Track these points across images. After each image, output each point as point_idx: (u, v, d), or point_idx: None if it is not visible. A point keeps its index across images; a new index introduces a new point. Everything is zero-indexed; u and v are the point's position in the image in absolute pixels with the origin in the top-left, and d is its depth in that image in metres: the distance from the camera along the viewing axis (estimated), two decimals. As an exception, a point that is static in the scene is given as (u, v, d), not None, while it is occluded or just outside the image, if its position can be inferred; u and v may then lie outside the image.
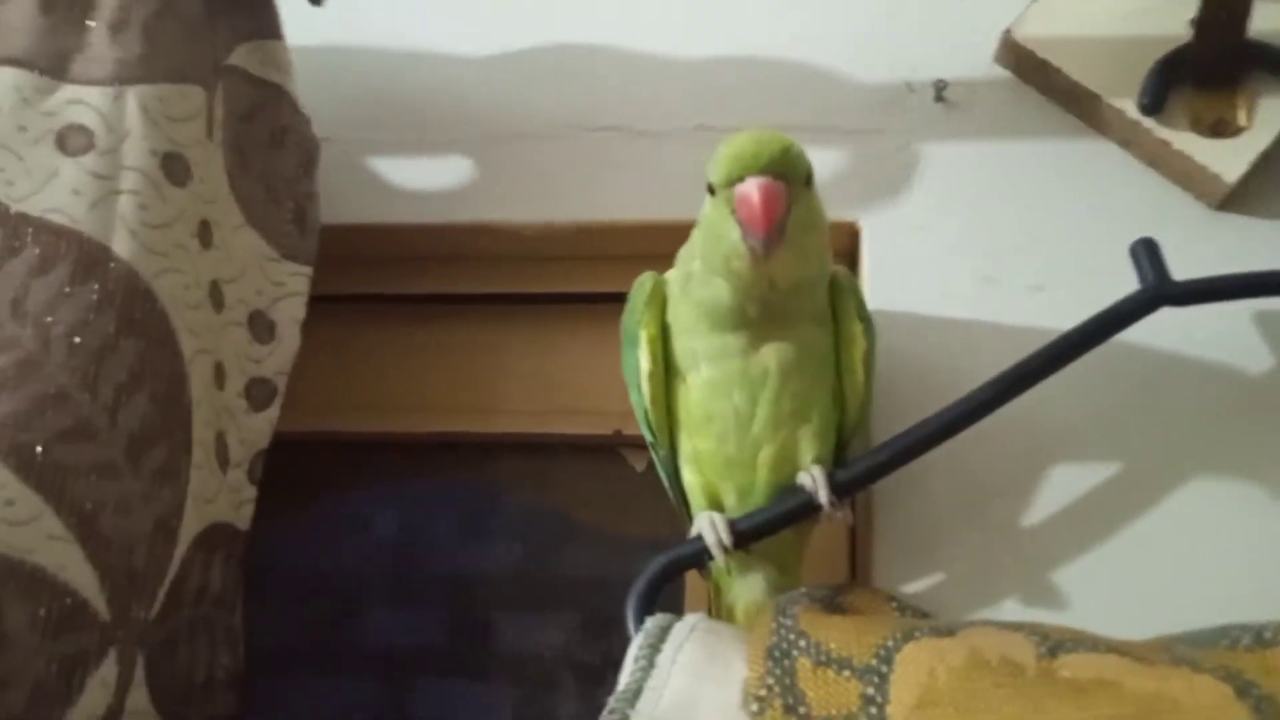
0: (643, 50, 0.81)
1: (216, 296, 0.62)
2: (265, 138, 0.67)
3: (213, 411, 0.60)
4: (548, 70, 0.81)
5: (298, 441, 0.82)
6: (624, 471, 0.83)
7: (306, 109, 0.72)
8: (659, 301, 0.63)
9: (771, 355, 0.60)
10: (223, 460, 0.61)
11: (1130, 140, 0.73)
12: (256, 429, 0.64)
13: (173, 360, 0.57)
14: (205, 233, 0.61)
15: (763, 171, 0.54)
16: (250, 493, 0.64)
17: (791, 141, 0.56)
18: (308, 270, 0.67)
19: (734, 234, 0.55)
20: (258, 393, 0.64)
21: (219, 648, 0.60)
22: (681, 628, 0.56)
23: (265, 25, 0.68)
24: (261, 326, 0.65)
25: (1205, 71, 0.71)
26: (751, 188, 0.54)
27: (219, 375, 0.61)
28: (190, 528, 0.57)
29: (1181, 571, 0.65)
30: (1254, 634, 0.51)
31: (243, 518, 0.63)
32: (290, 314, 0.66)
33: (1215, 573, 0.65)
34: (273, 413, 0.65)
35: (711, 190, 0.57)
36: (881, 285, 0.73)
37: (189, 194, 0.59)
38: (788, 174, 0.55)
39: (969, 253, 0.73)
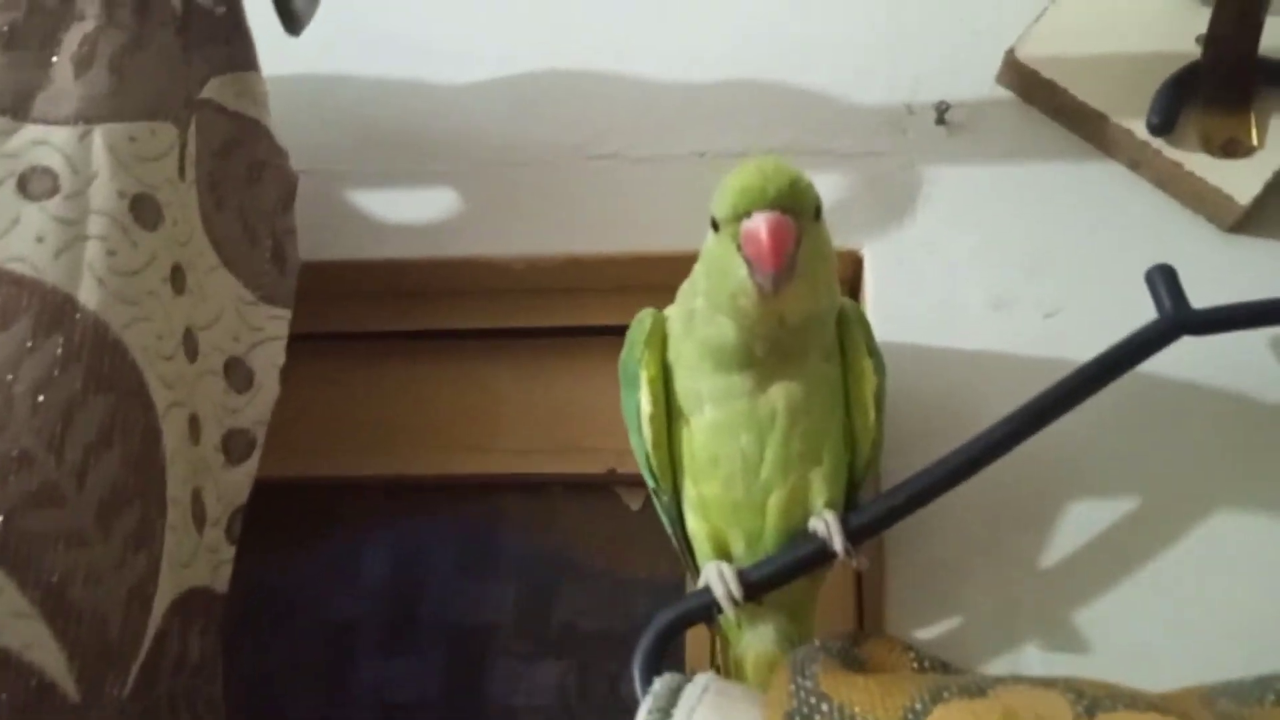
0: (638, 74, 0.78)
1: (190, 345, 0.58)
2: (242, 173, 0.64)
3: (188, 467, 0.57)
4: (539, 96, 0.78)
5: (285, 485, 0.79)
6: (620, 510, 0.81)
7: (284, 141, 0.69)
8: (659, 340, 0.60)
9: (779, 395, 0.57)
10: (199, 519, 0.58)
11: (1140, 161, 0.71)
12: (234, 484, 0.60)
13: (145, 415, 0.53)
14: (178, 277, 0.58)
15: (771, 206, 0.52)
16: (228, 553, 0.60)
17: (799, 173, 0.53)
18: (286, 313, 0.64)
19: (741, 271, 0.53)
20: (235, 445, 0.61)
21: (201, 718, 0.56)
22: (693, 690, 0.53)
23: (240, 56, 0.65)
24: (239, 375, 0.61)
25: (1216, 90, 0.69)
26: (759, 223, 0.51)
27: (194, 428, 0.58)
28: (165, 594, 0.53)
29: (1209, 609, 0.63)
30: (1299, 686, 0.48)
31: (220, 580, 0.59)
32: (269, 360, 0.62)
33: (1244, 608, 0.63)
34: (251, 466, 0.61)
35: (715, 225, 0.54)
36: (886, 315, 0.71)
37: (160, 237, 0.56)
38: (796, 208, 0.53)
39: (976, 279, 0.71)
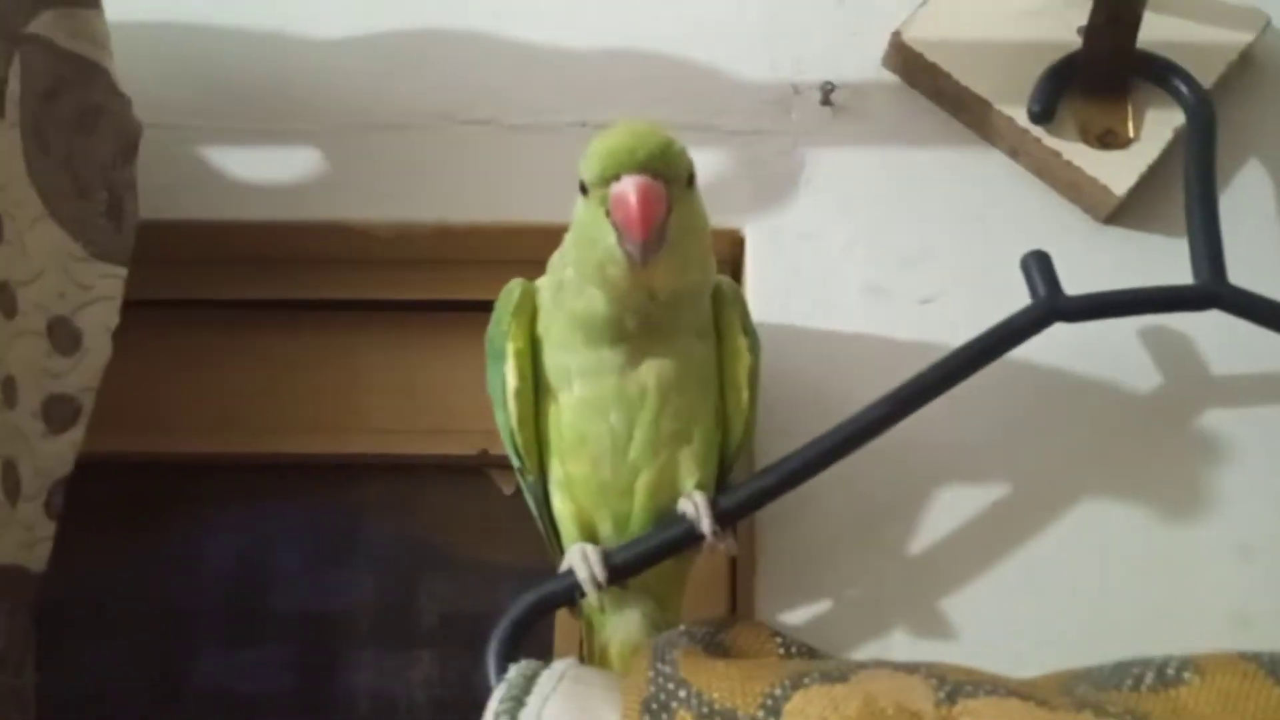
0: (516, 39, 0.75)
1: (7, 300, 0.53)
2: (73, 119, 0.58)
3: (0, 434, 0.51)
4: (411, 55, 0.74)
5: (126, 463, 0.73)
6: (492, 494, 0.78)
7: (131, 92, 0.64)
8: (528, 311, 0.57)
9: (650, 372, 0.55)
10: (11, 492, 0.52)
11: (1019, 149, 0.71)
12: (55, 454, 0.55)
13: (-53, 375, 0.48)
14: (-7, 225, 0.52)
15: (640, 170, 0.49)
16: (47, 529, 0.55)
17: (671, 138, 0.51)
18: (122, 271, 0.59)
19: (609, 238, 0.50)
20: (58, 412, 0.55)
21: (5, 716, 0.51)
22: (548, 677, 0.50)
23: (76, -10, 0.60)
24: (64, 335, 0.56)
25: (1094, 80, 0.69)
26: (628, 187, 0.49)
27: (8, 392, 0.52)
28: (-35, 574, 0.48)
29: (1076, 594, 0.63)
30: (1156, 671, 0.48)
31: (36, 559, 0.54)
32: (100, 321, 0.57)
33: (1110, 595, 0.63)
34: (76, 435, 0.56)
35: (584, 189, 0.51)
36: (766, 296, 0.69)
37: (-28, 180, 0.51)
38: (667, 173, 0.50)
39: (856, 263, 0.70)
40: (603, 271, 0.51)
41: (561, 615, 0.66)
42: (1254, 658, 0.48)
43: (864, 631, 0.62)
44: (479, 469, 0.77)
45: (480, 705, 0.50)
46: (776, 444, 0.63)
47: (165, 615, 0.76)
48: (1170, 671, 0.48)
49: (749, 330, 0.59)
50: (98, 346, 0.57)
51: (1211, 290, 0.61)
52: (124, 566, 0.76)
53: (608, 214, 0.50)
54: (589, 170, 0.51)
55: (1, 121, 0.53)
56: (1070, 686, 0.49)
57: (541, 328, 0.57)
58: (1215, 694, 0.46)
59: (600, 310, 0.53)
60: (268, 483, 0.77)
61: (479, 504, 0.78)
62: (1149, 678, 0.47)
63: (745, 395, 0.58)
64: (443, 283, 0.74)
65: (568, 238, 0.55)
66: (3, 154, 0.53)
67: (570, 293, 0.54)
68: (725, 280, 0.59)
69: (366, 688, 0.76)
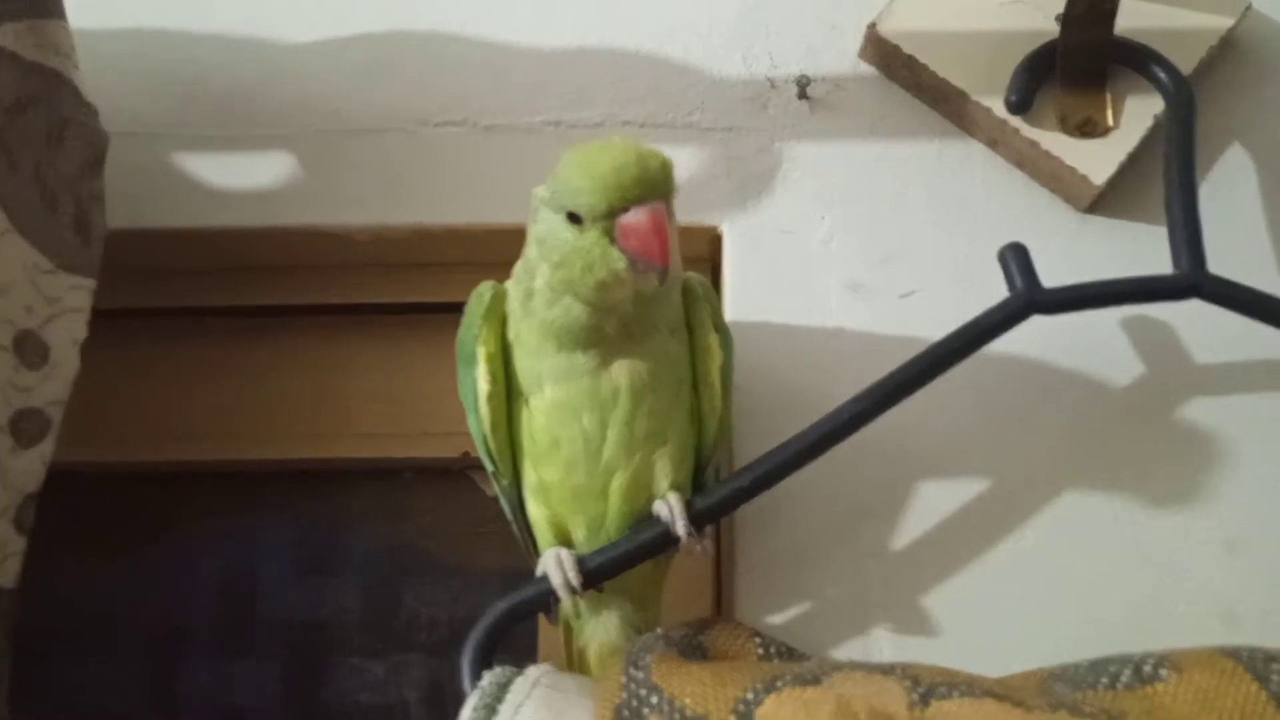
0: (489, 40, 0.74)
1: (-28, 315, 0.53)
2: (40, 132, 0.58)
3: (-33, 451, 0.51)
4: (383, 59, 0.73)
5: (100, 474, 0.73)
6: (476, 496, 0.77)
7: (99, 99, 0.63)
8: (499, 315, 0.57)
9: (623, 373, 0.54)
10: (-20, 508, 0.52)
11: (998, 140, 0.70)
12: (24, 470, 0.55)
13: (-88, 392, 0.48)
14: (-42, 241, 0.52)
15: (648, 197, 0.49)
16: (18, 544, 0.54)
17: (662, 154, 0.51)
18: (90, 283, 0.58)
19: (617, 264, 0.50)
20: (26, 426, 0.55)
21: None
22: (522, 684, 0.50)
23: (39, 2, 0.59)
24: (32, 349, 0.55)
25: (1073, 69, 0.68)
26: (644, 220, 0.49)
27: (-25, 408, 0.52)
28: (-68, 591, 0.48)
29: (1060, 590, 0.63)
30: (1133, 669, 0.47)
31: (7, 574, 0.54)
32: (68, 334, 0.57)
33: (1094, 590, 0.63)
34: (45, 449, 0.56)
35: (576, 218, 0.50)
36: (744, 294, 0.69)
37: (-64, 195, 0.50)
38: (669, 192, 0.51)
39: (835, 258, 0.69)
40: (603, 290, 0.51)
41: (546, 621, 0.66)
42: (1234, 653, 0.47)
43: (846, 630, 0.62)
44: (462, 471, 0.77)
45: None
46: (755, 443, 0.62)
47: (150, 627, 0.76)
48: (1147, 669, 0.47)
49: (720, 326, 0.58)
50: (66, 359, 0.57)
51: (1192, 280, 0.61)
52: (106, 579, 0.76)
53: (612, 241, 0.50)
54: (588, 203, 0.50)
55: (-36, 136, 0.53)
56: (1047, 685, 0.48)
57: (512, 333, 0.56)
58: (1192, 691, 0.46)
59: (581, 320, 0.53)
60: (249, 490, 0.77)
61: (463, 506, 0.78)
62: (1125, 675, 0.47)
63: (718, 393, 0.57)
64: (421, 285, 0.74)
65: (533, 251, 0.54)
66: (-35, 169, 0.53)
67: (542, 303, 0.54)
68: (694, 276, 0.58)
69: (356, 694, 0.76)
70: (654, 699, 0.47)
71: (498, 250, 0.69)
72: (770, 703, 0.46)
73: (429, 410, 0.74)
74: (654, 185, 0.50)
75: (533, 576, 0.57)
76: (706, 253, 0.72)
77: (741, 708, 0.46)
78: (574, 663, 0.61)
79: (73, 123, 0.60)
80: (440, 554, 0.78)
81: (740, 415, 0.65)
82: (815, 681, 0.47)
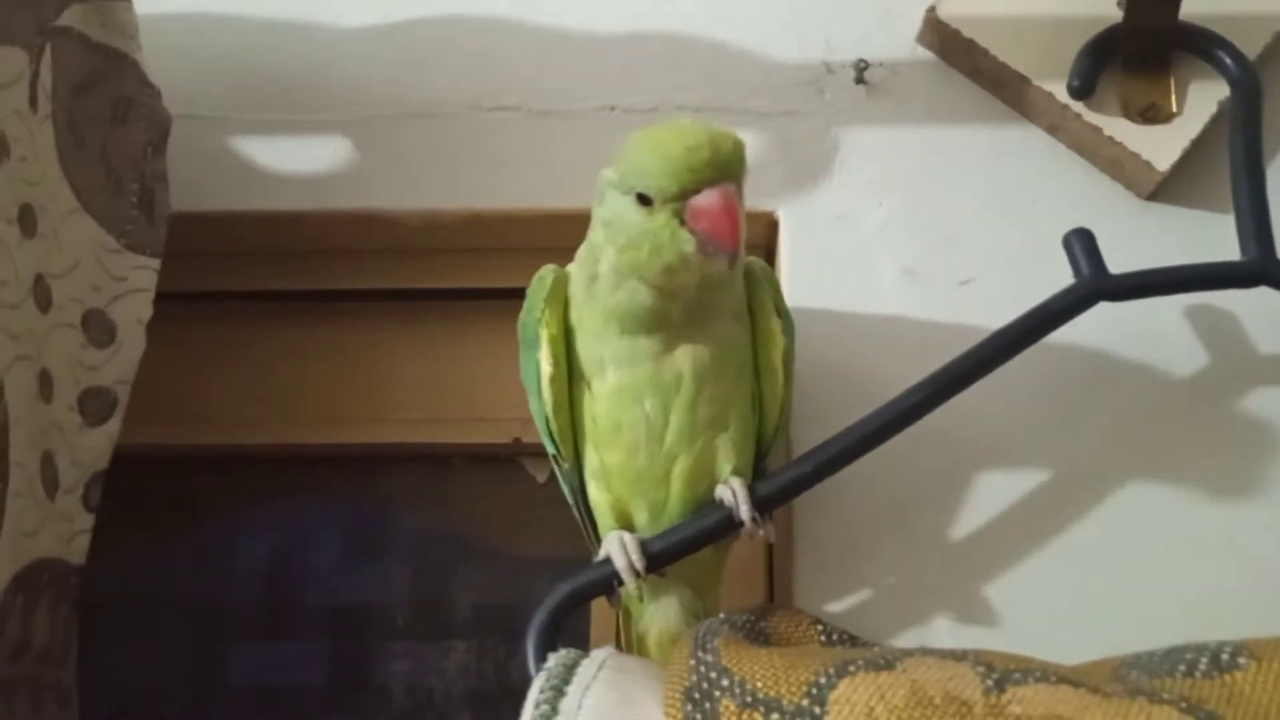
0: (545, 24, 0.74)
1: (42, 294, 0.53)
2: (105, 111, 0.58)
3: (37, 429, 0.51)
4: (437, 43, 0.73)
5: (157, 457, 0.74)
6: (525, 483, 0.77)
7: (158, 81, 0.64)
8: (561, 298, 0.57)
9: (685, 358, 0.54)
10: (50, 485, 0.52)
11: (1059, 126, 0.69)
12: (93, 447, 0.55)
13: (-17, 369, 0.48)
14: (28, 219, 0.52)
15: (721, 179, 0.49)
16: (86, 521, 0.55)
17: (735, 135, 0.50)
18: (155, 263, 0.58)
19: (686, 246, 0.50)
20: (94, 405, 0.55)
21: (46, 708, 0.51)
22: (588, 666, 0.50)
23: (106, -18, 0.59)
24: (99, 328, 0.56)
25: (1136, 54, 0.68)
26: (716, 202, 0.49)
27: (45, 386, 0.53)
28: (6, 568, 0.48)
29: (1120, 580, 0.62)
30: (1210, 657, 0.47)
31: (76, 551, 0.54)
32: (134, 313, 0.57)
33: (1156, 579, 0.62)
34: (113, 427, 0.56)
35: (645, 200, 0.50)
36: (801, 280, 0.68)
37: (6, 174, 0.50)
38: (740, 174, 0.50)
39: (892, 245, 0.69)
40: (669, 274, 0.51)
41: (598, 604, 0.65)
42: (1312, 642, 0.47)
43: (904, 619, 0.62)
44: (512, 458, 0.77)
45: (516, 695, 0.49)
46: (814, 429, 0.62)
47: (200, 608, 0.77)
48: (1225, 657, 0.46)
49: (782, 312, 0.58)
50: (132, 339, 0.57)
51: (1260, 266, 0.60)
52: (158, 560, 0.77)
53: (682, 223, 0.49)
54: (658, 184, 0.49)
55: (34, 116, 0.53)
56: (1122, 673, 0.48)
57: (574, 317, 0.56)
58: (1273, 679, 0.45)
59: (646, 304, 0.52)
60: (300, 475, 0.77)
61: (513, 493, 0.78)
62: (1203, 664, 0.46)
63: (780, 378, 0.57)
64: (473, 270, 0.74)
65: (598, 234, 0.54)
66: (38, 147, 0.53)
67: (607, 287, 0.53)
68: (756, 261, 0.58)
69: (402, 679, 0.76)
70: (724, 681, 0.47)
71: (551, 235, 0.69)
72: (844, 686, 0.45)
73: (480, 396, 0.74)
74: (726, 167, 0.49)
75: (585, 562, 0.57)
76: (763, 238, 0.71)
77: (814, 691, 0.45)
78: (632, 647, 0.60)
79: (136, 103, 0.60)
80: (489, 540, 0.78)
81: (796, 400, 0.64)
82: (889, 666, 0.46)
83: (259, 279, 0.74)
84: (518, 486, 0.77)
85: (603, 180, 0.53)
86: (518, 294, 0.59)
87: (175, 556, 0.78)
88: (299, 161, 0.71)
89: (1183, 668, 0.46)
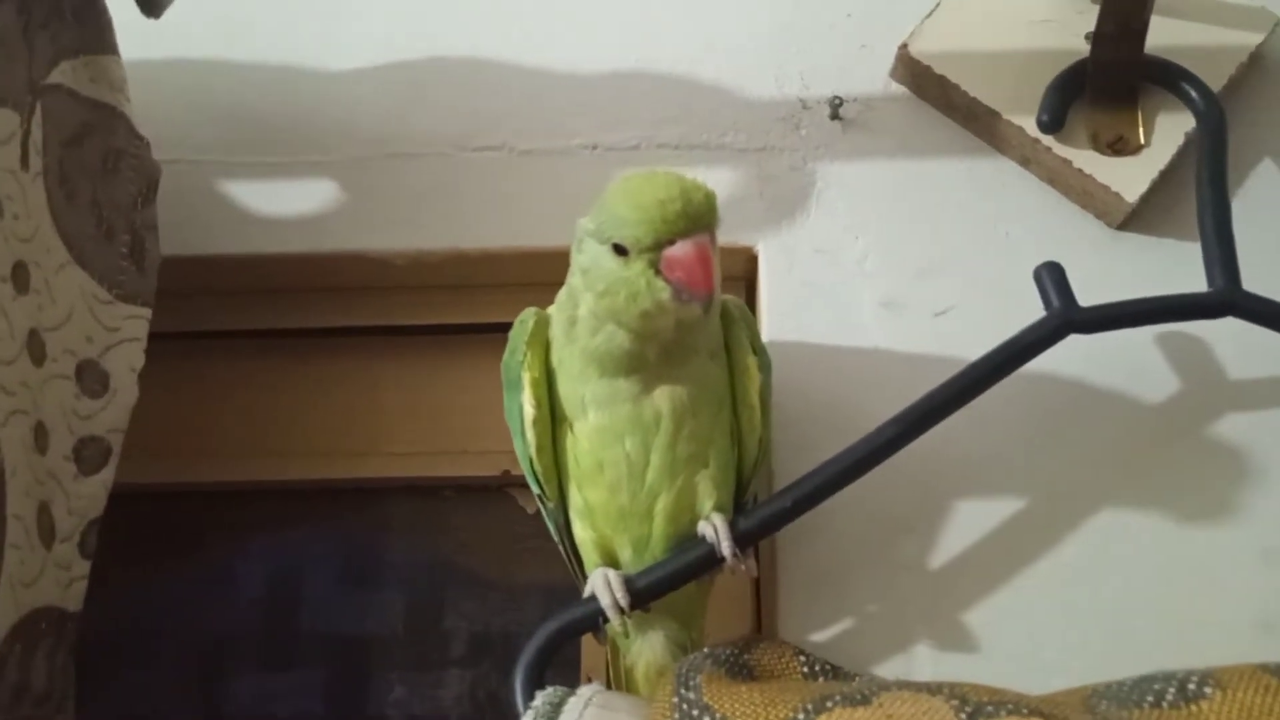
0: (528, 65, 0.75)
1: (36, 348, 0.54)
2: (95, 163, 0.60)
3: (33, 480, 0.53)
4: (423, 85, 0.75)
5: (152, 495, 0.75)
6: (515, 514, 0.78)
7: (148, 131, 0.65)
8: (542, 340, 0.58)
9: (664, 397, 0.55)
10: (46, 535, 0.53)
11: (1030, 158, 0.71)
12: (88, 495, 0.56)
13: (-20, 424, 0.49)
14: (20, 276, 0.53)
15: (694, 230, 0.50)
16: (82, 569, 0.56)
17: (706, 187, 0.52)
18: (146, 312, 0.60)
19: (662, 294, 0.51)
20: (89, 454, 0.57)
21: (48, 751, 0.53)
22: (575, 704, 0.51)
23: (94, 38, 0.61)
24: (92, 378, 0.57)
25: (1104, 88, 0.69)
26: (690, 253, 0.50)
27: (40, 437, 0.54)
28: (3, 619, 0.49)
29: (1099, 605, 0.63)
30: (1178, 686, 0.48)
31: (72, 598, 0.55)
32: (126, 362, 0.58)
33: (1133, 604, 0.63)
34: (106, 476, 0.57)
35: (621, 250, 0.51)
36: (780, 313, 0.70)
37: (0, 232, 0.52)
38: (713, 223, 0.52)
39: (870, 277, 0.70)
40: (647, 319, 0.52)
41: (589, 635, 0.67)
42: (1275, 669, 0.48)
43: (887, 648, 0.63)
44: (500, 488, 0.78)
45: (506, 724, 0.51)
46: (795, 461, 0.63)
47: (195, 641, 0.78)
48: (1191, 687, 0.48)
49: (758, 348, 0.59)
50: (125, 387, 0.58)
51: (1226, 297, 0.61)
52: (155, 595, 0.78)
53: (657, 273, 0.51)
54: (633, 235, 0.51)
55: (25, 173, 0.54)
56: (1092, 703, 0.49)
57: (555, 359, 0.58)
58: (1236, 709, 0.46)
59: (624, 346, 0.54)
60: (294, 509, 0.79)
61: (503, 523, 0.79)
62: (1170, 693, 0.48)
63: (758, 414, 0.58)
64: (459, 307, 0.75)
65: (577, 279, 0.55)
66: (30, 204, 0.54)
67: (585, 330, 0.55)
68: (732, 299, 0.60)
69: (397, 708, 0.77)
70: (706, 718, 0.48)
71: (534, 272, 0.70)
72: (821, 723, 0.46)
73: (468, 429, 0.76)
74: (698, 218, 0.51)
75: (576, 594, 0.58)
76: (742, 272, 0.73)
77: (793, 728, 0.47)
78: (620, 681, 0.62)
79: (126, 154, 0.61)
80: (480, 570, 0.79)
81: (777, 433, 0.66)
82: (865, 702, 0.47)
83: (250, 319, 0.75)
84: (507, 517, 0.79)
85: (580, 229, 0.54)
86: (502, 328, 0.60)
87: (173, 590, 0.79)
88: (284, 203, 0.72)
89: (1150, 698, 0.48)
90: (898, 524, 0.65)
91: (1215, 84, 0.68)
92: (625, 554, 0.58)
